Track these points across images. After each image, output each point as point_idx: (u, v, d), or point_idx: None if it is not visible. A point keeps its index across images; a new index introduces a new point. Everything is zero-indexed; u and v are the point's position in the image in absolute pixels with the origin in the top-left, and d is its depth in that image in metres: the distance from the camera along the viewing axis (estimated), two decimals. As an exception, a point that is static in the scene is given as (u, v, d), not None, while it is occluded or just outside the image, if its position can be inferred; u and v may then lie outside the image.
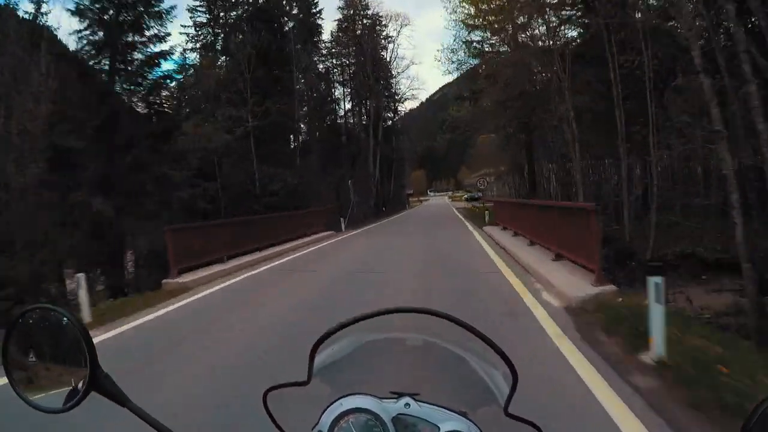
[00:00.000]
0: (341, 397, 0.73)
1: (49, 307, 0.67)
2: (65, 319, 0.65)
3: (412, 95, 51.76)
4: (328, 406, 0.73)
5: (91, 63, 15.82)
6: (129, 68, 16.26)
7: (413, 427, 0.71)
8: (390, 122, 40.45)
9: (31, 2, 12.88)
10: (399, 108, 39.80)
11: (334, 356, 0.78)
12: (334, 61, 33.84)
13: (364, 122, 33.69)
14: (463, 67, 22.93)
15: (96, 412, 0.75)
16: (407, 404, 0.72)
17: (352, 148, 32.00)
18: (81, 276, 5.89)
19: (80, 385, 0.64)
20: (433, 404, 0.73)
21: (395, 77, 37.39)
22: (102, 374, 0.65)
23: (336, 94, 34.11)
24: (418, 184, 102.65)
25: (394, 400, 0.73)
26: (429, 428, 0.70)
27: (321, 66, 31.81)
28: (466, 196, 62.32)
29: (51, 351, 0.67)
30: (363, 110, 34.43)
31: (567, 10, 15.79)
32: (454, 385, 0.86)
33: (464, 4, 18.94)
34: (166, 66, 41.87)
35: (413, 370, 0.85)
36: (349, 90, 34.70)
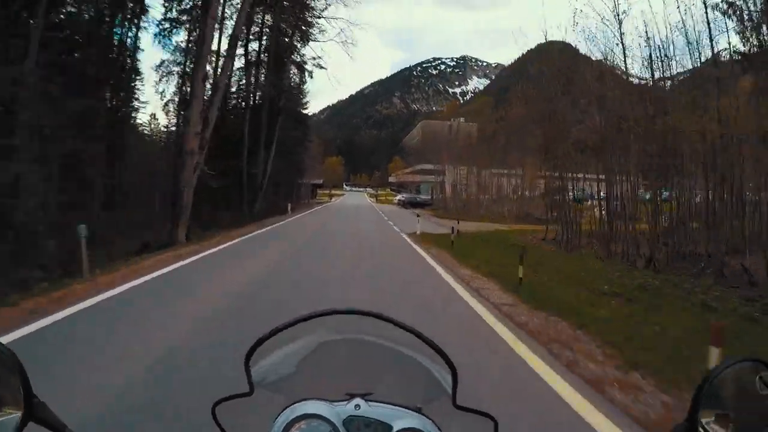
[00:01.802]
0: (292, 404, 0.71)
1: None
2: None
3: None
4: (278, 414, 0.70)
5: None
6: None
7: (365, 429, 0.69)
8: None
9: None
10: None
11: (280, 362, 0.76)
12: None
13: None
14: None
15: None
16: (357, 405, 0.71)
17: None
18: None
19: (17, 416, 0.60)
20: (386, 403, 0.72)
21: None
22: (38, 403, 0.62)
23: None
24: (333, 173, 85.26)
25: (346, 402, 0.71)
26: (381, 428, 0.69)
27: None
28: (401, 197, 43.30)
29: None
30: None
31: None
32: (406, 381, 0.81)
33: None
34: None
35: (365, 370, 0.81)
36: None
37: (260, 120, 20.35)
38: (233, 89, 21.57)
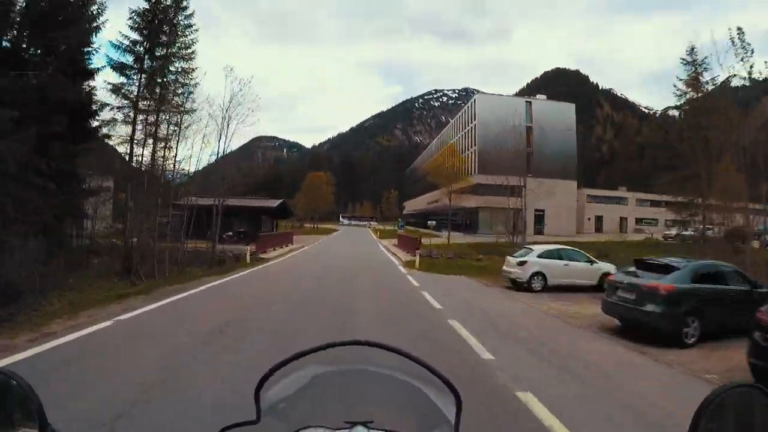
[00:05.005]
0: (296, 431, 0.72)
1: None
2: (11, 380, 0.64)
3: None
4: None
5: None
6: None
7: None
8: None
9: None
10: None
11: (284, 392, 0.78)
12: None
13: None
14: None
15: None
16: None
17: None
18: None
19: None
20: (387, 430, 0.72)
21: None
22: (51, 430, 0.63)
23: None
24: (318, 194, 56.52)
25: (347, 430, 0.72)
26: None
27: None
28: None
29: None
30: None
31: None
32: (405, 409, 0.82)
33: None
34: None
35: (365, 398, 0.83)
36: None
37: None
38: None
